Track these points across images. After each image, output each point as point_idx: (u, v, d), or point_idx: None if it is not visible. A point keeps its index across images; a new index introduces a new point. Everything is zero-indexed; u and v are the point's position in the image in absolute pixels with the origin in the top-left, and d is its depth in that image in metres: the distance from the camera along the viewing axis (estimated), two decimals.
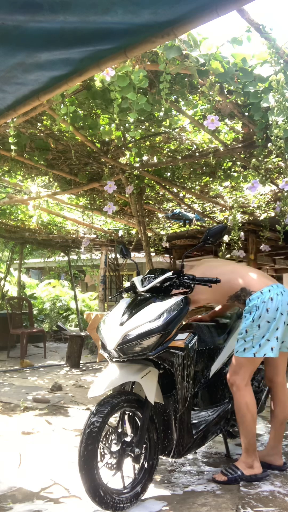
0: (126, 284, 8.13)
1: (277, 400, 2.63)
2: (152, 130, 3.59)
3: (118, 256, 7.79)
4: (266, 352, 2.37)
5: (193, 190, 4.80)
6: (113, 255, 8.28)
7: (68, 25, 1.69)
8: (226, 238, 4.29)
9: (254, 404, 2.44)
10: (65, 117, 2.75)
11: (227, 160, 3.99)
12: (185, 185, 4.65)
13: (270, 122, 2.50)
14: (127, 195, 4.66)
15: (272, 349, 2.36)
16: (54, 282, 12.51)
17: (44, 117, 3.43)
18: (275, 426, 2.62)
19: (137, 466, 2.18)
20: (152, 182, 4.66)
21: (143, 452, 2.17)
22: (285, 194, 3.31)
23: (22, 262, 9.45)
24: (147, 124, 3.44)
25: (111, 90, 2.40)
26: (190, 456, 2.83)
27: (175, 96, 2.91)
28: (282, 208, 3.37)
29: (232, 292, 2.54)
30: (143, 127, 3.49)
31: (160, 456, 2.32)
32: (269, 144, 2.63)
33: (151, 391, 2.12)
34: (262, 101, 2.57)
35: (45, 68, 2.04)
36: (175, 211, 5.60)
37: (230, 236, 4.22)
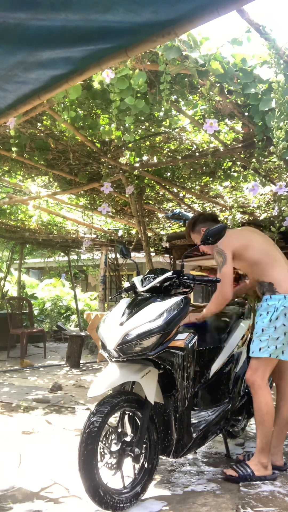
0: (126, 284, 8.13)
1: (285, 398, 2.64)
2: (152, 130, 3.59)
3: (118, 256, 7.78)
4: (278, 355, 2.45)
5: (193, 190, 4.80)
6: (113, 255, 8.28)
7: (69, 24, 1.69)
8: None
9: (272, 404, 2.47)
10: (65, 117, 2.75)
11: (227, 160, 3.99)
12: (185, 185, 4.65)
13: (272, 124, 2.50)
14: (127, 195, 4.66)
15: (283, 352, 2.46)
16: (55, 282, 12.51)
17: (44, 117, 3.43)
18: (280, 425, 2.62)
19: (137, 466, 2.18)
20: (152, 182, 4.66)
21: (143, 452, 2.16)
22: (286, 194, 3.31)
23: (22, 262, 9.45)
24: (147, 124, 3.44)
25: (110, 92, 2.40)
26: (190, 456, 2.82)
27: (175, 96, 2.92)
28: (280, 209, 3.38)
29: (261, 278, 2.57)
30: (143, 127, 3.49)
31: (160, 456, 2.32)
32: (271, 148, 2.63)
33: (151, 391, 2.12)
34: (262, 103, 2.57)
35: (46, 66, 2.04)
36: (175, 211, 5.60)
37: None
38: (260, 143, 2.93)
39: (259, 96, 2.60)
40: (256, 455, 2.48)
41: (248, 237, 2.71)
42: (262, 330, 2.44)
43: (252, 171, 3.89)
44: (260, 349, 2.44)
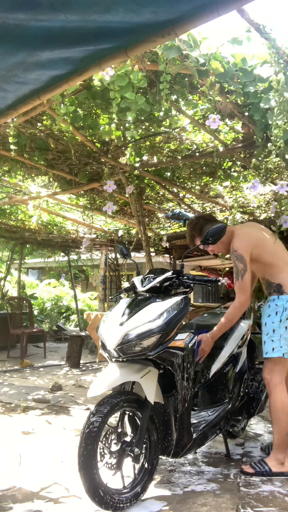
0: (126, 284, 8.13)
1: None
2: (152, 130, 3.59)
3: (118, 256, 7.78)
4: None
5: (193, 190, 4.80)
6: (113, 255, 8.28)
7: (69, 24, 1.69)
8: None
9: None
10: (65, 117, 2.75)
11: (227, 160, 3.99)
12: (185, 185, 4.65)
13: (270, 122, 2.50)
14: (127, 195, 4.66)
15: None
16: (54, 282, 12.51)
17: (44, 117, 3.42)
18: None
19: (137, 466, 2.18)
20: (152, 182, 4.66)
21: (143, 452, 2.16)
22: (286, 194, 3.31)
23: (22, 262, 9.45)
24: (147, 124, 3.44)
25: (110, 90, 2.40)
26: (190, 456, 2.82)
27: (175, 96, 2.91)
28: (277, 209, 3.37)
29: (270, 279, 2.59)
30: (143, 127, 3.49)
31: (160, 456, 2.32)
32: (269, 145, 2.63)
33: (151, 391, 2.12)
34: (262, 101, 2.57)
35: (46, 67, 2.03)
36: (175, 211, 5.60)
37: None
38: (260, 140, 2.92)
39: (259, 95, 2.60)
40: (273, 452, 2.52)
41: (261, 238, 2.69)
42: (274, 331, 2.48)
43: (252, 171, 3.89)
44: (273, 349, 2.48)
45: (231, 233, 2.68)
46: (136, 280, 2.50)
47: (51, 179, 4.80)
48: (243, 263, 2.54)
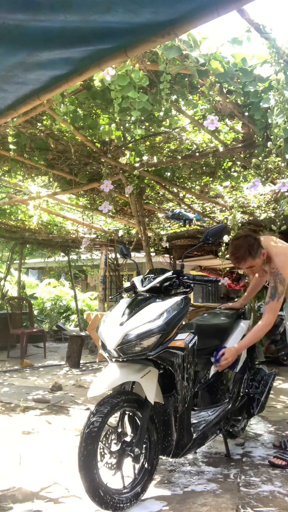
0: (126, 284, 8.12)
1: None
2: (152, 130, 3.59)
3: (118, 256, 7.78)
4: None
5: (193, 190, 4.80)
6: (113, 255, 8.28)
7: (69, 25, 1.69)
8: (226, 238, 4.29)
9: None
10: (65, 117, 2.75)
11: (227, 160, 3.99)
12: (185, 185, 4.66)
13: (270, 122, 2.50)
14: (127, 195, 4.66)
15: None
16: (54, 282, 12.51)
17: (44, 117, 3.43)
18: None
19: (137, 466, 2.18)
20: (152, 182, 4.66)
21: (143, 452, 2.16)
22: (286, 194, 3.31)
23: (22, 262, 9.45)
24: (147, 124, 3.44)
25: (111, 90, 2.40)
26: (190, 456, 2.82)
27: (175, 96, 2.91)
28: (285, 208, 3.37)
29: None
30: (143, 127, 3.49)
31: (160, 456, 2.32)
32: (269, 144, 2.63)
33: (151, 391, 2.12)
34: (262, 101, 2.58)
35: (46, 67, 2.04)
36: (175, 211, 5.60)
37: (230, 236, 4.22)
38: (260, 140, 2.92)
39: (259, 95, 2.60)
40: None
41: None
42: None
43: (252, 171, 3.89)
44: None
45: (265, 252, 2.63)
46: (136, 280, 2.50)
47: (51, 179, 4.80)
48: (284, 285, 2.55)
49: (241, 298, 3.18)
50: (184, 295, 2.34)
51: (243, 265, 2.64)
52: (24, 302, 8.08)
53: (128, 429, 2.26)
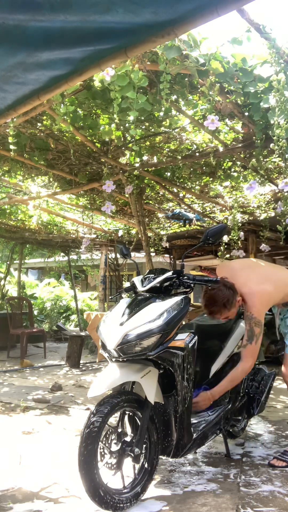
0: (126, 284, 8.13)
1: None
2: (152, 130, 3.59)
3: (118, 256, 7.78)
4: None
5: (193, 190, 4.80)
6: (113, 255, 8.28)
7: (69, 25, 1.69)
8: (226, 238, 4.29)
9: None
10: (65, 117, 2.75)
11: (227, 160, 3.99)
12: (185, 185, 4.65)
13: (272, 122, 2.50)
14: (127, 195, 4.66)
15: None
16: (54, 282, 12.51)
17: (44, 117, 3.43)
18: None
19: (137, 466, 2.18)
20: (152, 182, 4.66)
21: (143, 452, 2.16)
22: (286, 194, 3.31)
23: (22, 262, 9.45)
24: (147, 124, 3.44)
25: (111, 90, 2.40)
26: (190, 456, 2.83)
27: (175, 96, 2.91)
28: (283, 208, 3.37)
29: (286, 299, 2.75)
30: (143, 127, 3.49)
31: (160, 456, 2.32)
32: (271, 145, 2.63)
33: (151, 391, 2.12)
34: (262, 101, 2.58)
35: (46, 67, 2.03)
36: (175, 211, 5.60)
37: (230, 236, 4.23)
38: (259, 141, 2.92)
39: (259, 95, 2.60)
40: None
41: (272, 290, 2.59)
42: None
43: (252, 171, 3.89)
44: None
45: (240, 299, 2.55)
46: (136, 280, 2.50)
47: (51, 179, 4.80)
48: (260, 327, 2.50)
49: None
50: (184, 295, 2.34)
51: (218, 317, 2.56)
52: (24, 302, 8.08)
53: (128, 429, 2.26)
